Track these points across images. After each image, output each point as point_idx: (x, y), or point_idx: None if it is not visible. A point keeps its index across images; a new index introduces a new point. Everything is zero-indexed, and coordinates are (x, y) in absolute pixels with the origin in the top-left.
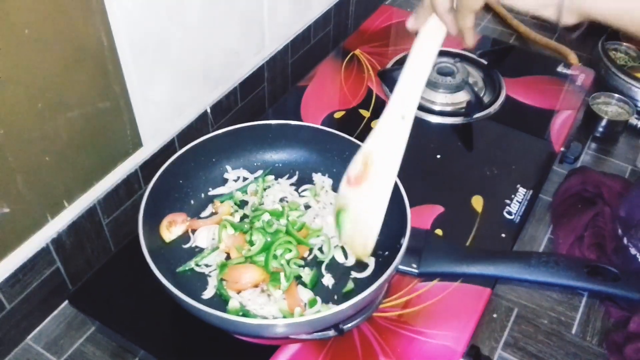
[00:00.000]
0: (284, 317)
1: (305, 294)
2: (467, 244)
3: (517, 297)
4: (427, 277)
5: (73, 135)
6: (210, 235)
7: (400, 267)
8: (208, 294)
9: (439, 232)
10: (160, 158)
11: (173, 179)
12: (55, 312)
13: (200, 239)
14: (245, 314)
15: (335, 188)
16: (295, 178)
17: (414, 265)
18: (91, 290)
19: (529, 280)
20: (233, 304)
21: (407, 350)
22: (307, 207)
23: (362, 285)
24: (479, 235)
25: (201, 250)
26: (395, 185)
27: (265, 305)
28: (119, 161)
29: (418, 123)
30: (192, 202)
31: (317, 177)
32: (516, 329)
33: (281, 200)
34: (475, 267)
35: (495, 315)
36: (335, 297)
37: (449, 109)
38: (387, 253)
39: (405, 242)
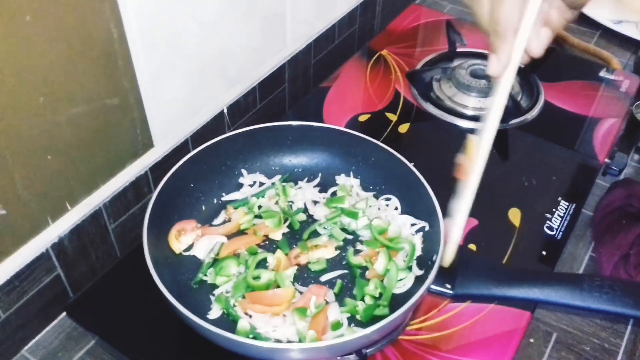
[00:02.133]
0: (300, 340)
1: (333, 314)
2: (504, 261)
3: (556, 320)
4: (461, 299)
5: (78, 132)
6: (209, 246)
7: (433, 287)
8: (214, 314)
9: (472, 247)
10: (172, 160)
11: (183, 183)
12: (55, 322)
13: (198, 249)
14: (257, 336)
15: (364, 188)
16: (317, 181)
17: (448, 286)
18: (92, 301)
19: (580, 307)
20: (243, 324)
21: None
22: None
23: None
24: (517, 252)
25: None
26: (427, 194)
27: (279, 327)
28: (128, 162)
29: (449, 128)
30: (203, 208)
31: (341, 178)
32: (555, 355)
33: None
34: (517, 289)
35: (532, 340)
36: (357, 315)
37: (482, 113)
38: (422, 271)
39: (439, 259)
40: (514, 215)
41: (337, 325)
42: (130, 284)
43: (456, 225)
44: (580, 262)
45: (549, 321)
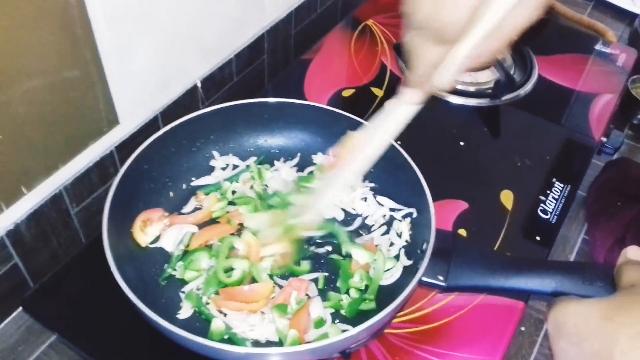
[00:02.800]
0: (280, 340)
1: (316, 311)
2: (495, 247)
3: (548, 307)
4: (454, 291)
5: (33, 109)
6: (178, 237)
7: (424, 279)
8: (185, 313)
9: (462, 232)
10: (140, 138)
11: (149, 166)
12: (14, 314)
13: (166, 241)
14: (232, 337)
15: None
16: (295, 161)
17: (441, 277)
18: (52, 293)
19: (586, 296)
20: (217, 324)
21: None
22: None
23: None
24: (510, 237)
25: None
26: (415, 177)
27: (257, 326)
28: (91, 141)
29: (439, 105)
30: (171, 194)
31: (318, 157)
32: (546, 345)
33: None
34: (514, 280)
35: (523, 329)
36: (342, 310)
37: (472, 89)
38: (410, 261)
39: (430, 247)
40: (506, 198)
41: (320, 323)
42: (96, 273)
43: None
44: (573, 245)
45: (541, 308)
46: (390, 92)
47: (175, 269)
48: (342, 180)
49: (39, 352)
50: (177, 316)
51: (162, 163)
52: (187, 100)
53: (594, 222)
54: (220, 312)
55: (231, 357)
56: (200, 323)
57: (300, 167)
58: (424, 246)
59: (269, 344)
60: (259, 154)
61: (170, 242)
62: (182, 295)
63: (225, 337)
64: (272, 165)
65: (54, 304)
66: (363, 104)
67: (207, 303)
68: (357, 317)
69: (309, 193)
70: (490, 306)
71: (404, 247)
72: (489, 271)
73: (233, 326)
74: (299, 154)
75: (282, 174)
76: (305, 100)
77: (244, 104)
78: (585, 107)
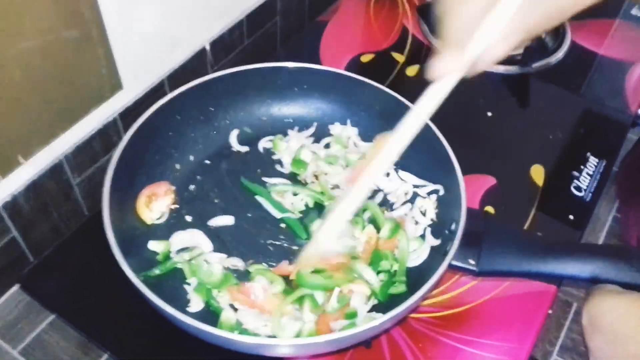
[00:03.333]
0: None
1: (355, 302)
2: (525, 226)
3: (576, 289)
4: (487, 276)
5: (29, 72)
6: (186, 243)
7: (454, 262)
8: (195, 307)
9: (490, 210)
10: (145, 104)
11: (153, 136)
12: (12, 290)
13: (176, 242)
14: (242, 333)
15: (364, 138)
16: (311, 130)
17: (472, 262)
18: (51, 270)
19: (629, 284)
20: (227, 316)
21: None
22: None
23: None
24: (540, 217)
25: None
26: (443, 151)
27: (270, 322)
28: (92, 107)
29: None
30: (177, 166)
31: (336, 127)
32: (575, 329)
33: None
34: (553, 265)
35: (550, 312)
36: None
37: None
38: (437, 241)
39: (460, 228)
40: (537, 173)
41: (352, 315)
42: (99, 247)
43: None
44: (603, 224)
45: (569, 290)
46: (413, 58)
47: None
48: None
49: (40, 330)
50: (188, 309)
51: (167, 132)
52: (195, 65)
53: (627, 200)
54: (232, 306)
55: (242, 348)
56: (208, 313)
57: (317, 137)
58: (453, 226)
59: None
60: (271, 123)
61: (177, 243)
62: (187, 288)
63: (236, 332)
64: (285, 135)
65: (53, 281)
66: (383, 70)
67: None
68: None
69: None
70: (519, 290)
71: (429, 226)
72: (524, 255)
73: (244, 322)
74: (315, 124)
75: (295, 144)
76: (321, 65)
77: (256, 69)
78: (621, 77)
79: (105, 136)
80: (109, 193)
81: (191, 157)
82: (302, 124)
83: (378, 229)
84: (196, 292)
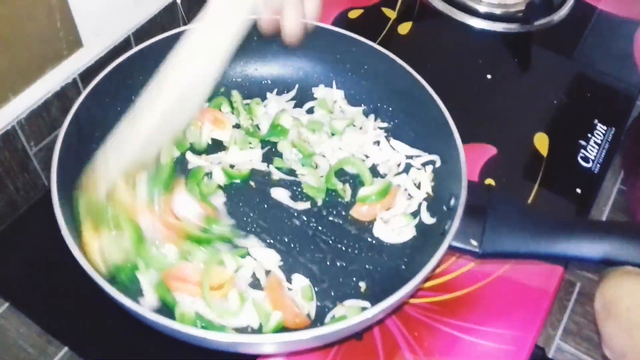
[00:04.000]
0: (261, 325)
1: (298, 281)
2: (529, 200)
3: (579, 268)
4: (491, 258)
5: None
6: None
7: (454, 243)
8: (149, 300)
9: (490, 182)
10: (109, 64)
11: (110, 99)
12: None
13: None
14: (208, 325)
15: (351, 102)
16: (292, 94)
17: (474, 242)
18: (4, 250)
19: None
20: (183, 309)
21: (448, 353)
22: None
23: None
24: (545, 190)
25: None
26: (441, 116)
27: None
28: (48, 67)
29: (458, 28)
30: None
31: (320, 90)
32: (579, 311)
33: None
34: (564, 244)
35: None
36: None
37: (499, 11)
38: (433, 219)
39: (461, 204)
40: (541, 142)
41: (309, 294)
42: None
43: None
44: (608, 197)
45: (571, 268)
46: (405, 14)
47: None
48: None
49: None
50: (140, 302)
51: (129, 94)
52: (165, 19)
53: (634, 170)
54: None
55: (210, 344)
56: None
57: (299, 101)
58: (452, 202)
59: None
60: (247, 85)
61: None
62: (140, 277)
63: (200, 325)
64: (264, 99)
65: (6, 264)
66: (372, 27)
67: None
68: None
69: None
70: (522, 272)
71: (425, 200)
72: (531, 234)
73: (203, 312)
74: (296, 86)
75: (273, 107)
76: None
77: None
78: (629, 37)
79: (64, 99)
80: (58, 166)
81: None
82: (282, 87)
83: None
84: (145, 281)
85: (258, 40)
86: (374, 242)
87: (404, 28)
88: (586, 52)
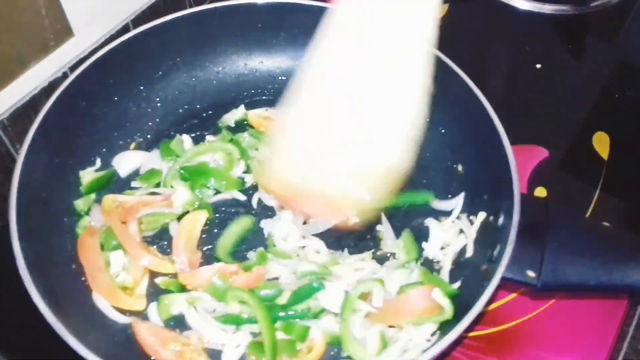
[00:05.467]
0: None
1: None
2: (588, 213)
3: None
4: (552, 292)
5: None
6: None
7: (507, 275)
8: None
9: (540, 191)
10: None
11: (87, 102)
12: None
13: (124, 165)
14: None
15: None
16: None
17: (531, 274)
18: None
19: None
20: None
21: None
22: None
23: None
24: (606, 198)
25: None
26: (484, 113)
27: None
28: (32, 60)
29: (500, 10)
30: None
31: None
32: None
33: None
34: None
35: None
36: None
37: None
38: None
39: (514, 223)
40: (601, 143)
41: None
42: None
43: None
44: None
45: None
46: None
47: None
48: None
49: None
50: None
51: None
52: (169, 4)
53: None
54: None
55: None
56: None
57: None
58: (501, 220)
59: None
60: (252, 79)
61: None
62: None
63: None
64: (272, 105)
65: None
66: None
67: None
68: None
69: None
70: (580, 301)
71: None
72: (603, 260)
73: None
74: None
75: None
76: (325, 2)
77: (226, 7)
78: None
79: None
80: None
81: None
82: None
83: None
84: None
85: (262, 27)
86: None
87: (440, 11)
88: None
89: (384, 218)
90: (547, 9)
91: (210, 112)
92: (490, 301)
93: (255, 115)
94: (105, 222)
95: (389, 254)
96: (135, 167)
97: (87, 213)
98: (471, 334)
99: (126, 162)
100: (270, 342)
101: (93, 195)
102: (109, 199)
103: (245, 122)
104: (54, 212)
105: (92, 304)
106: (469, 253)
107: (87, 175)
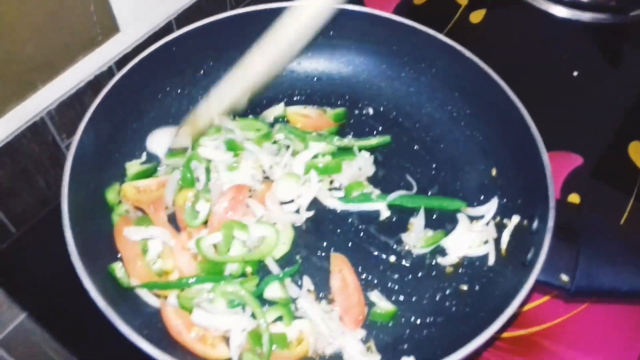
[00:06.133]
0: None
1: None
2: (622, 220)
3: None
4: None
5: None
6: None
7: (541, 277)
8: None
9: (574, 198)
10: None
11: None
12: None
13: (156, 143)
14: None
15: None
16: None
17: (564, 278)
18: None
19: None
20: None
21: None
22: None
23: None
24: None
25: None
26: (520, 118)
27: None
28: (80, 54)
29: (539, 17)
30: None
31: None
32: None
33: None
34: None
35: None
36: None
37: None
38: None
39: (549, 228)
40: (637, 152)
41: None
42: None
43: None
44: None
45: None
46: (477, 0)
47: None
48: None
49: (22, 319)
50: None
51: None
52: (210, 3)
53: None
54: None
55: None
56: None
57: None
58: (535, 224)
59: None
60: (289, 80)
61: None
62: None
63: None
64: (314, 103)
65: (29, 269)
66: (440, 16)
67: None
68: None
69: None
70: (611, 307)
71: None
72: (638, 266)
73: None
74: (347, 96)
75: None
76: (362, 6)
77: (267, 10)
78: None
79: (99, 89)
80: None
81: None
82: (329, 89)
83: None
84: None
85: None
86: None
87: (477, 16)
88: None
89: (422, 211)
90: (586, 17)
91: (247, 111)
92: (524, 303)
93: (294, 112)
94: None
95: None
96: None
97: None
98: (503, 335)
99: (158, 141)
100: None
101: (117, 185)
102: (129, 185)
103: (284, 119)
104: (102, 203)
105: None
106: (491, 261)
107: (133, 167)
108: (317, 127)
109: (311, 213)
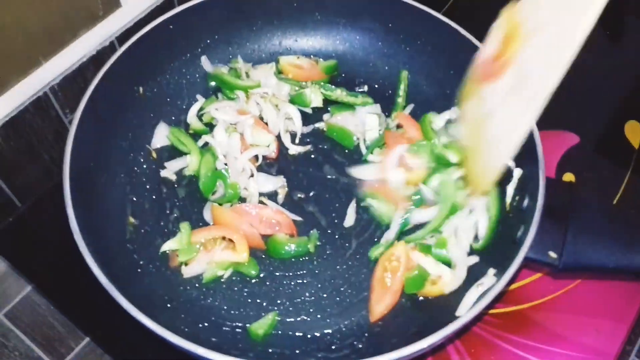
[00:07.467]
0: None
1: None
2: (615, 200)
3: None
4: (572, 273)
5: None
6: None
7: (530, 254)
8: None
9: (569, 177)
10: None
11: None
12: None
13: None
14: None
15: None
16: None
17: (553, 254)
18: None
19: None
20: None
21: None
22: None
23: None
24: (635, 187)
25: None
26: None
27: None
28: (82, 29)
29: None
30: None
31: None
32: None
33: None
34: None
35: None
36: None
37: None
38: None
39: (538, 206)
40: (633, 131)
41: None
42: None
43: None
44: None
45: None
46: None
47: None
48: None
49: (26, 292)
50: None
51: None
52: None
53: None
54: None
55: None
56: None
57: (343, 80)
58: (526, 202)
59: None
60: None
61: None
62: None
63: None
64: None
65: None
66: None
67: None
68: None
69: None
70: (599, 284)
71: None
72: (624, 243)
73: None
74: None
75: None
76: None
77: None
78: None
79: (101, 64)
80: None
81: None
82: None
83: None
84: None
85: (298, 7)
86: None
87: None
88: None
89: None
90: None
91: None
92: (512, 281)
93: (286, 62)
94: None
95: None
96: None
97: None
98: (492, 311)
99: None
100: None
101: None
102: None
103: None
104: (103, 181)
105: (144, 274)
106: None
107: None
108: (308, 78)
109: None
